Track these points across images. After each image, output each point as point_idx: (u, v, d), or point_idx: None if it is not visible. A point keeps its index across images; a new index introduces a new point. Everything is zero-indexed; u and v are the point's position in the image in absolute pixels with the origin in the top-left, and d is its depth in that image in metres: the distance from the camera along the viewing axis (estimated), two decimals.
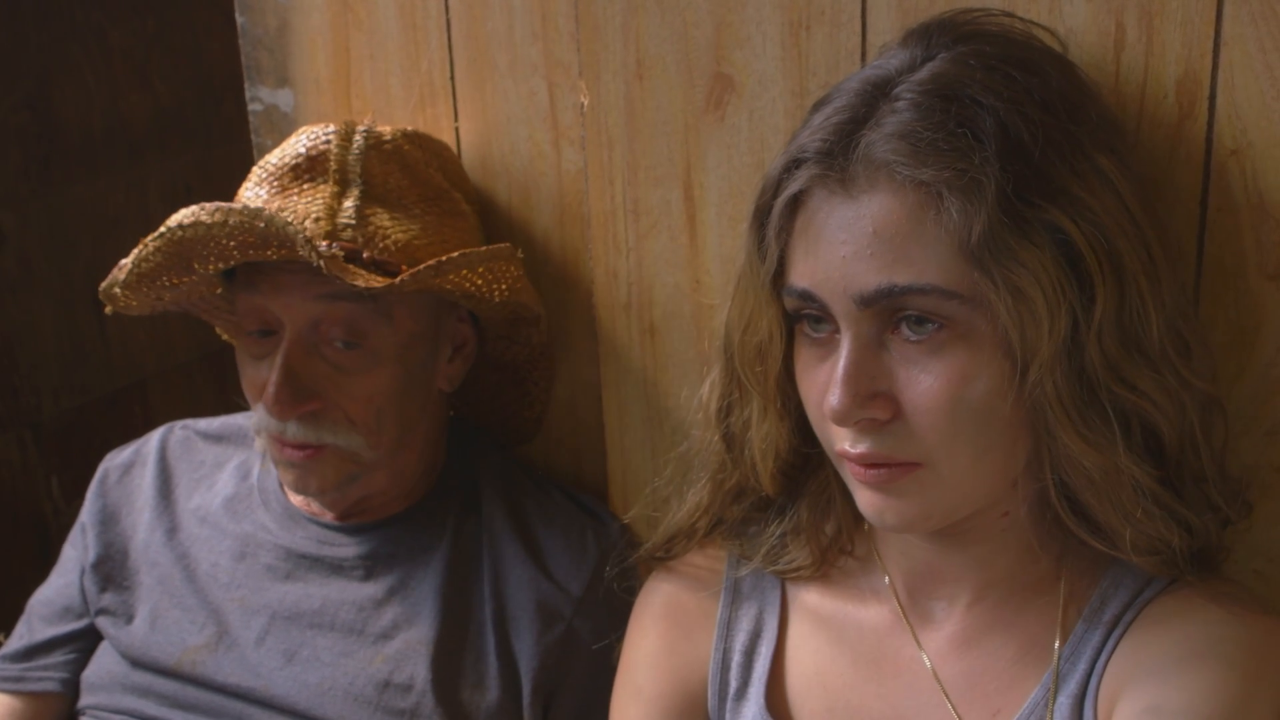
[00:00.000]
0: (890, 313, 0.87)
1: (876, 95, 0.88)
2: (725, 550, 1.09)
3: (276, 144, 1.28)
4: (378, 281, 1.13)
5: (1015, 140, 0.84)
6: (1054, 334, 0.83)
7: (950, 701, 0.96)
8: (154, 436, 1.40)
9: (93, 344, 2.11)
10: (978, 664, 0.97)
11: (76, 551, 1.36)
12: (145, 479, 1.36)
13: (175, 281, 1.20)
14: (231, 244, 1.12)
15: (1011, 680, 0.95)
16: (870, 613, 1.02)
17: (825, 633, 1.03)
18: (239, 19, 1.43)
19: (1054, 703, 0.92)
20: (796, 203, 0.91)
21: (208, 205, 1.11)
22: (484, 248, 1.19)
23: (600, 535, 1.28)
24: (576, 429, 1.36)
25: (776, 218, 0.91)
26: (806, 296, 0.90)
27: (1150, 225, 0.87)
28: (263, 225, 1.09)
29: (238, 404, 1.39)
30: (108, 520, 1.35)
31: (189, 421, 1.42)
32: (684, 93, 1.17)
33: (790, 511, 1.05)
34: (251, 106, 1.46)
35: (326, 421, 1.19)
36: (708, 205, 1.19)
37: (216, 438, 1.40)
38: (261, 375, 1.19)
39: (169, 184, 2.20)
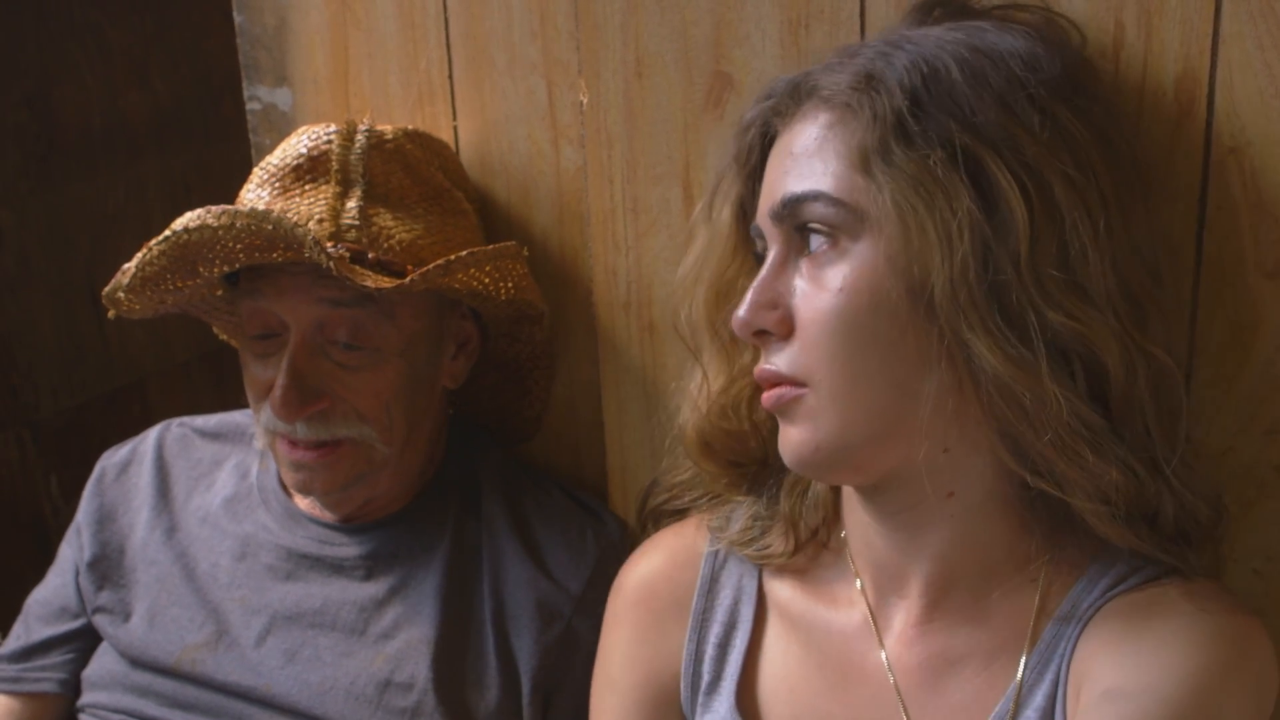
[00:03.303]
0: (796, 228, 0.89)
1: (857, 48, 0.92)
2: (706, 530, 1.07)
3: (275, 143, 1.27)
4: (386, 282, 1.13)
5: (933, 73, 0.86)
6: (953, 252, 0.83)
7: (908, 716, 0.94)
8: (151, 434, 1.40)
9: (92, 343, 2.11)
10: (942, 674, 0.94)
11: (72, 551, 1.36)
12: (143, 477, 1.36)
13: (180, 285, 1.19)
14: (238, 246, 1.12)
15: (976, 691, 0.92)
16: (840, 616, 1.00)
17: (796, 634, 1.02)
18: (237, 18, 1.42)
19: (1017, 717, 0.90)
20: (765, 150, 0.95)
21: (213, 208, 1.11)
22: (490, 246, 1.20)
23: (600, 534, 1.28)
24: (576, 427, 1.36)
25: (745, 153, 0.96)
26: (756, 234, 0.94)
27: (1111, 181, 0.87)
28: (270, 228, 1.09)
29: (236, 403, 1.39)
30: (104, 519, 1.35)
31: (186, 419, 1.42)
32: (683, 91, 1.17)
33: (769, 493, 1.04)
34: (250, 105, 1.46)
35: (336, 417, 1.19)
36: None
37: (214, 435, 1.40)
38: (266, 376, 1.19)
39: (168, 182, 2.21)
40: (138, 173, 2.16)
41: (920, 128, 0.85)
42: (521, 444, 1.39)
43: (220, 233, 1.10)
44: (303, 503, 1.30)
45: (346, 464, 1.21)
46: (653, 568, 1.09)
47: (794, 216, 0.89)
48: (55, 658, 1.33)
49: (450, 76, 1.31)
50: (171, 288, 1.19)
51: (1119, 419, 0.87)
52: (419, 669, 1.20)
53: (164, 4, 2.18)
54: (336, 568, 1.27)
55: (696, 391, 1.04)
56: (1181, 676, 0.83)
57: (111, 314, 1.23)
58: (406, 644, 1.21)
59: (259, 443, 1.26)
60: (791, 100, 0.92)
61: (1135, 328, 0.87)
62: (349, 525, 1.28)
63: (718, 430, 1.03)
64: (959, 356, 0.85)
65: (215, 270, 1.16)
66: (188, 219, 1.11)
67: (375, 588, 1.25)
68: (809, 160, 0.88)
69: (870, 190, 0.85)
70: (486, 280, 1.19)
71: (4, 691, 1.33)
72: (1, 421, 1.99)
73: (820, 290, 0.87)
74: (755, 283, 0.90)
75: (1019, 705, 0.90)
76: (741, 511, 1.06)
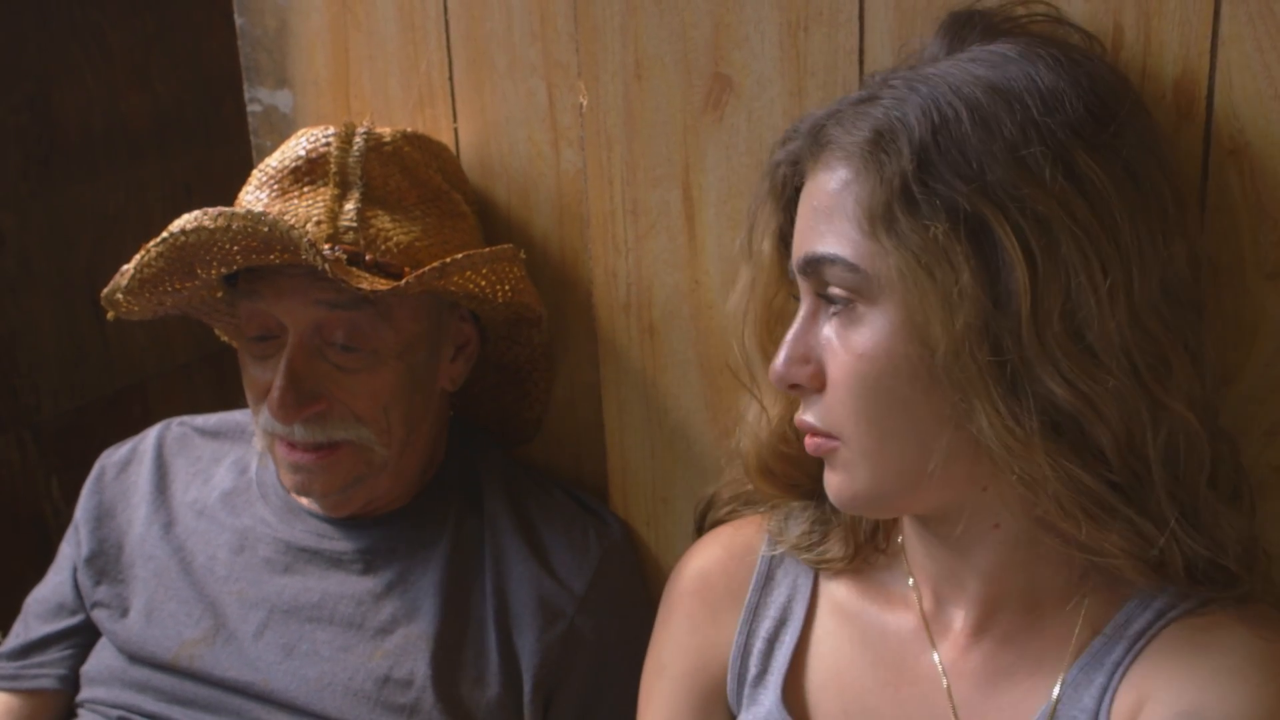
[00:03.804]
0: (821, 283, 0.90)
1: (880, 85, 0.91)
2: (766, 526, 1.09)
3: (276, 145, 1.28)
4: (382, 284, 1.13)
5: (943, 123, 0.85)
6: (954, 322, 0.83)
7: (957, 717, 0.96)
8: (151, 433, 1.41)
9: (92, 344, 2.11)
10: (992, 678, 0.96)
11: (70, 548, 1.37)
12: (142, 475, 1.37)
13: (178, 286, 1.20)
14: (234, 248, 1.12)
15: (1024, 695, 0.94)
16: (895, 617, 1.02)
17: (849, 631, 1.03)
18: (238, 20, 1.43)
19: None
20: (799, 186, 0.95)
21: (210, 210, 1.11)
22: (487, 249, 1.20)
23: (602, 534, 1.28)
24: (576, 429, 1.36)
25: (777, 186, 0.97)
26: (791, 271, 0.95)
27: (1133, 227, 0.85)
28: (266, 230, 1.09)
29: (237, 405, 1.39)
30: (103, 516, 1.35)
31: (186, 418, 1.43)
32: (682, 93, 1.17)
33: (828, 500, 1.05)
34: (251, 107, 1.46)
35: (334, 419, 1.19)
36: (706, 205, 1.19)
37: (213, 434, 1.40)
38: (264, 377, 1.20)
39: (168, 184, 2.21)
40: (138, 175, 2.16)
41: (925, 193, 0.84)
42: (522, 445, 1.39)
43: (216, 234, 1.10)
44: (301, 497, 1.31)
45: (345, 466, 1.21)
46: (710, 559, 1.11)
47: (817, 275, 0.90)
48: (54, 654, 1.34)
49: (450, 79, 1.32)
50: (170, 289, 1.20)
51: (1125, 480, 0.87)
52: (418, 665, 1.20)
53: (165, 6, 2.18)
54: (334, 561, 1.27)
55: (755, 420, 1.04)
56: (1260, 706, 0.85)
57: (111, 315, 1.23)
58: (405, 639, 1.21)
59: (258, 444, 1.26)
60: (814, 145, 0.92)
61: (1156, 382, 0.86)
62: (347, 520, 1.29)
63: (777, 454, 1.04)
64: (965, 420, 0.86)
65: (212, 272, 1.16)
66: (184, 221, 1.12)
67: (373, 582, 1.25)
68: (828, 219, 0.89)
69: (880, 256, 0.86)
70: (483, 283, 1.19)
71: (3, 689, 1.33)
72: (2, 423, 1.99)
73: (844, 352, 0.89)
74: (788, 336, 0.92)
75: (1058, 712, 0.92)
76: (799, 516, 1.07)
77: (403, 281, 1.13)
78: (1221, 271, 0.98)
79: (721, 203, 1.18)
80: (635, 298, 1.25)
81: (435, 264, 1.15)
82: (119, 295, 1.19)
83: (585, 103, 1.23)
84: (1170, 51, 0.96)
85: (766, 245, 0.99)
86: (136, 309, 1.22)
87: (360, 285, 1.12)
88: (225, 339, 1.36)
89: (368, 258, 1.16)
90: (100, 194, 2.11)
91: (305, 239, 1.09)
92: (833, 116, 0.91)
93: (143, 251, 1.15)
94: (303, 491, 1.24)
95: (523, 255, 1.23)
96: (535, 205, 1.30)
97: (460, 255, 1.17)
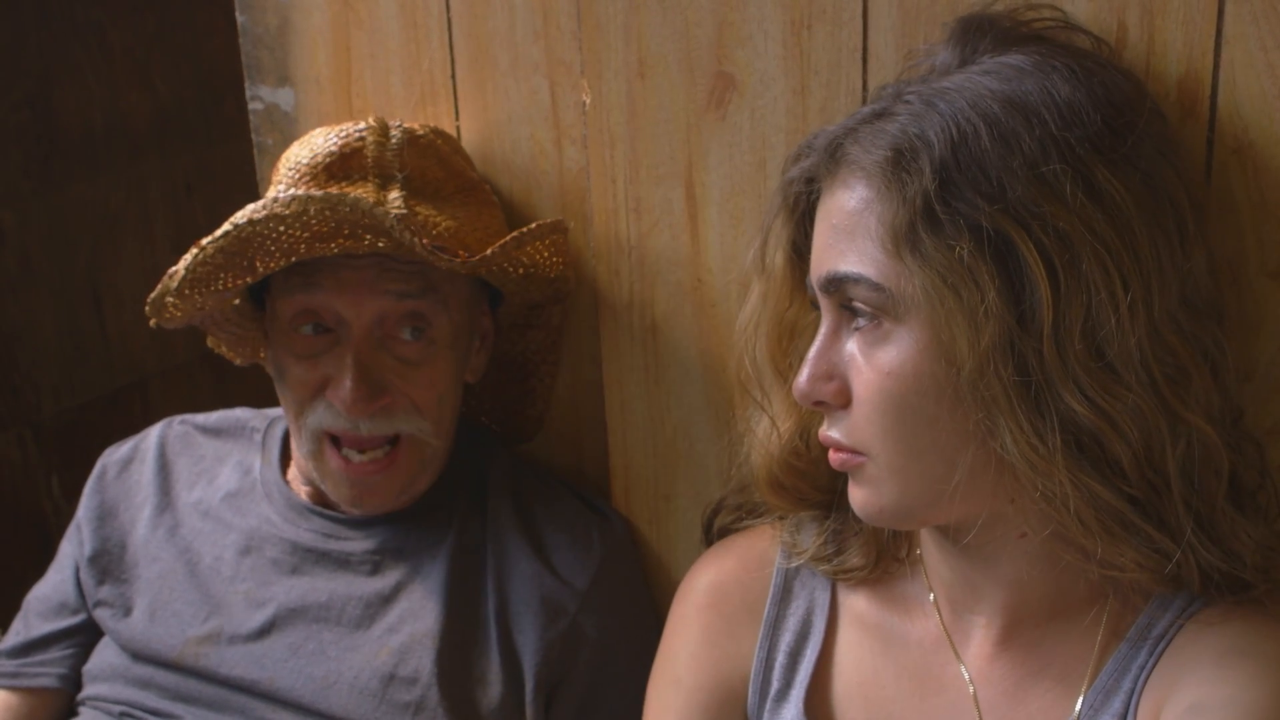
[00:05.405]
0: (844, 301, 0.90)
1: (894, 98, 0.90)
2: (779, 537, 1.08)
3: (278, 143, 1.28)
4: (466, 257, 1.13)
5: (962, 139, 0.85)
6: (979, 341, 0.83)
7: None
8: (153, 431, 1.40)
9: (93, 343, 2.11)
10: (1019, 685, 0.96)
11: (72, 547, 1.36)
12: (145, 474, 1.36)
13: (231, 284, 1.17)
14: (304, 235, 1.11)
15: (1052, 701, 0.95)
16: (916, 626, 1.02)
17: (871, 642, 1.03)
18: (239, 18, 1.43)
19: None
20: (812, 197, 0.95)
21: (280, 197, 1.10)
22: (549, 220, 1.21)
23: (605, 533, 1.28)
24: (579, 427, 1.36)
25: (792, 199, 0.96)
26: (810, 286, 0.95)
27: (1151, 240, 0.85)
28: (347, 209, 1.08)
29: (237, 403, 1.39)
30: (105, 515, 1.35)
31: (187, 416, 1.42)
32: (686, 91, 1.17)
33: (842, 510, 1.04)
34: (252, 105, 1.46)
35: (399, 413, 1.20)
36: (709, 203, 1.19)
37: (215, 432, 1.40)
38: (313, 376, 1.19)
39: (169, 183, 2.21)
40: (139, 173, 2.16)
41: (948, 212, 0.84)
42: (524, 443, 1.39)
43: (289, 220, 1.09)
44: (306, 494, 1.30)
45: (402, 466, 1.22)
46: (724, 572, 1.10)
47: (840, 293, 0.90)
48: (54, 653, 1.33)
49: (453, 76, 1.32)
50: (220, 289, 1.17)
51: (1144, 494, 0.87)
52: (423, 663, 1.20)
53: (166, 4, 2.18)
54: (342, 562, 1.27)
55: (765, 435, 1.04)
56: (1262, 687, 0.85)
57: (153, 323, 1.20)
58: (411, 638, 1.21)
59: (303, 447, 1.23)
60: (830, 162, 0.91)
61: (1174, 396, 0.86)
62: (354, 519, 1.28)
63: (788, 469, 1.04)
64: (989, 436, 0.87)
65: (274, 264, 1.14)
66: (249, 211, 1.10)
67: (381, 583, 1.25)
68: (849, 237, 0.89)
69: (905, 275, 0.86)
70: (546, 254, 1.21)
71: (3, 687, 1.33)
72: (3, 422, 1.99)
73: (870, 370, 0.89)
74: (811, 353, 0.92)
75: (1086, 718, 0.92)
76: (810, 527, 1.06)
77: (489, 250, 1.14)
78: (1224, 270, 0.98)
79: (724, 201, 1.18)
80: (638, 296, 1.25)
81: (515, 233, 1.16)
82: (168, 298, 1.16)
83: (588, 101, 1.23)
84: (1174, 51, 0.96)
85: (779, 259, 0.98)
86: (180, 314, 1.19)
87: (443, 262, 1.12)
88: (220, 351, 1.34)
89: (425, 241, 1.15)
90: (101, 192, 2.11)
91: (391, 217, 1.08)
92: (849, 133, 0.90)
93: (196, 249, 1.12)
94: (359, 505, 1.24)
95: (571, 226, 1.25)
96: (538, 203, 1.30)
97: (533, 225, 1.19)
